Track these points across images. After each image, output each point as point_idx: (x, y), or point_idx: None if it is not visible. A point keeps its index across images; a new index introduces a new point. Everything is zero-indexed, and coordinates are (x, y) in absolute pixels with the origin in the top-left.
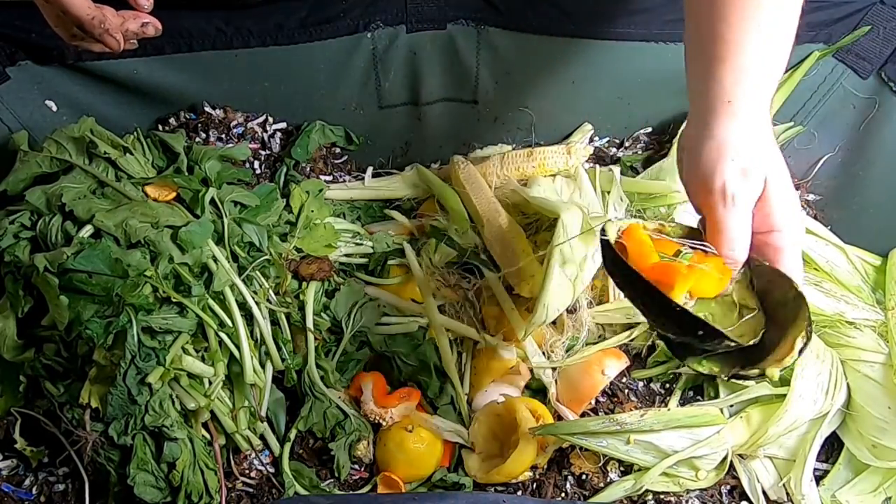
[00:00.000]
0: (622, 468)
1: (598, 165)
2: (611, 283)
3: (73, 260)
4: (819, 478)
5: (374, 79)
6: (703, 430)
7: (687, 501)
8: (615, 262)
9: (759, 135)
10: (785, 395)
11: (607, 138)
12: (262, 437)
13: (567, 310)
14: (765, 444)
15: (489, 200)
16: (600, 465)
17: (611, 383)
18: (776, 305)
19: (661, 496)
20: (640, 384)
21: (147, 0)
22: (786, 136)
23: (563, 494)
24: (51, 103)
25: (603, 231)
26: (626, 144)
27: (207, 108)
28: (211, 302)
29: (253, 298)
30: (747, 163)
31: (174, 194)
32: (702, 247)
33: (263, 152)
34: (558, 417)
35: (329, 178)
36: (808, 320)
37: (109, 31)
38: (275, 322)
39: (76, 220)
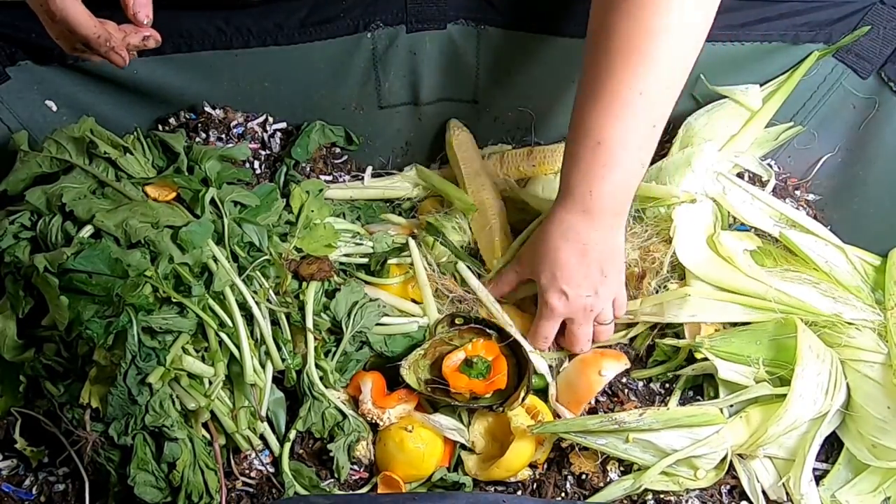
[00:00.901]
0: (622, 468)
1: None
2: None
3: (73, 260)
4: (819, 478)
5: (374, 79)
6: (702, 429)
7: (687, 501)
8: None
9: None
10: (785, 396)
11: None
12: (262, 437)
13: None
14: (764, 443)
15: (476, 172)
16: (600, 464)
17: (610, 383)
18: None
19: (661, 496)
20: (640, 384)
21: (146, 16)
22: (786, 135)
23: (563, 494)
24: (51, 103)
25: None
26: None
27: (207, 108)
28: (211, 302)
29: (253, 298)
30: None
31: (174, 194)
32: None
33: (263, 152)
34: (557, 417)
35: (329, 178)
36: (528, 382)
37: (115, 48)
38: (275, 322)
39: (76, 220)
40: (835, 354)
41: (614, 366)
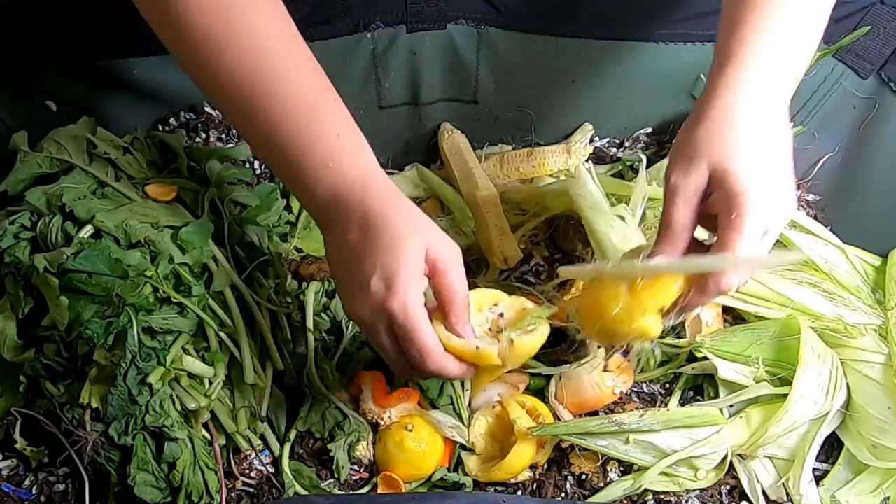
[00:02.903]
0: (622, 468)
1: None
2: None
3: (73, 260)
4: (819, 478)
5: (374, 79)
6: (702, 430)
7: (687, 501)
8: None
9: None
10: (785, 396)
11: (607, 138)
12: (262, 437)
13: None
14: (765, 444)
15: (468, 173)
16: (600, 464)
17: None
18: None
19: (661, 496)
20: (641, 384)
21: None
22: None
23: (563, 494)
24: (51, 103)
25: None
26: (626, 144)
27: (207, 108)
28: (211, 302)
29: (253, 298)
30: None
31: (174, 194)
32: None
33: None
34: (556, 416)
35: None
36: None
37: None
38: (275, 322)
39: (76, 220)
40: (835, 355)
41: (627, 382)
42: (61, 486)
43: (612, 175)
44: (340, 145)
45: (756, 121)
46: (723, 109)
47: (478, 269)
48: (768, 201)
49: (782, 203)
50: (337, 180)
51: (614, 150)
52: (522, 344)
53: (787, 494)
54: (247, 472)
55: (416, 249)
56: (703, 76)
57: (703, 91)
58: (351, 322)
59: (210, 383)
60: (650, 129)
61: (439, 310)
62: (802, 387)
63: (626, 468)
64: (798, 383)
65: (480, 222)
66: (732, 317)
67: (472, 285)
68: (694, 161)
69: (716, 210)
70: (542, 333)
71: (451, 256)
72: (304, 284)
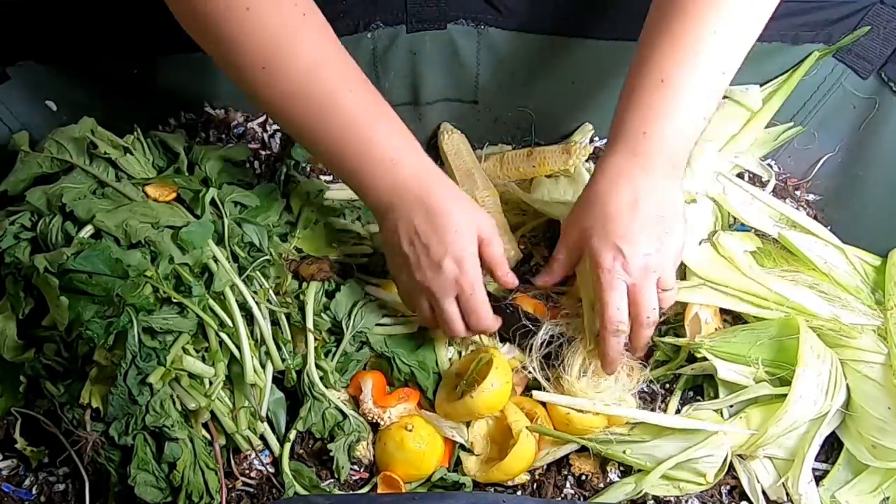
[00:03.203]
0: (622, 468)
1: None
2: None
3: (74, 260)
4: (819, 478)
5: (374, 79)
6: (698, 433)
7: (687, 501)
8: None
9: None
10: (785, 396)
11: (607, 138)
12: (262, 438)
13: None
14: (765, 444)
15: (467, 172)
16: (599, 465)
17: None
18: None
19: (662, 498)
20: (642, 385)
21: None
22: (786, 136)
23: (563, 495)
24: (51, 103)
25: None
26: None
27: (207, 108)
28: (211, 302)
29: (253, 299)
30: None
31: (174, 194)
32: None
33: (263, 152)
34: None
35: (329, 178)
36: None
37: None
38: (275, 322)
39: (76, 220)
40: (835, 355)
41: None
42: (61, 486)
43: None
44: (401, 144)
45: (623, 199)
46: (595, 191)
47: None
48: (614, 267)
49: (641, 259)
50: (400, 174)
51: None
52: (483, 399)
53: (787, 494)
54: (247, 472)
55: (474, 236)
56: None
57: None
58: (351, 322)
59: (210, 383)
60: None
61: (487, 271)
62: (802, 387)
63: (627, 469)
64: (797, 383)
65: None
66: (732, 317)
67: None
68: (571, 232)
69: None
70: (497, 386)
71: (491, 230)
72: (304, 284)
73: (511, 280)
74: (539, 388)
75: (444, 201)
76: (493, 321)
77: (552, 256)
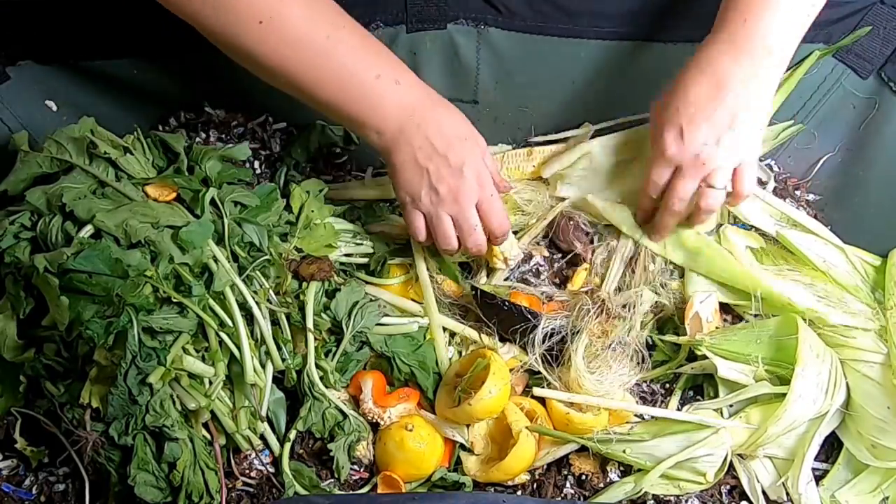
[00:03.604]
0: (622, 468)
1: None
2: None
3: (74, 260)
4: (819, 478)
5: None
6: (697, 433)
7: (687, 501)
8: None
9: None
10: (784, 395)
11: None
12: (262, 437)
13: None
14: (764, 443)
15: None
16: (599, 464)
17: None
18: None
19: (662, 497)
20: (642, 385)
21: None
22: (785, 134)
23: (563, 495)
24: (51, 103)
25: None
26: None
27: (207, 108)
28: (211, 302)
29: (253, 298)
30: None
31: (174, 194)
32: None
33: (263, 152)
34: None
35: (329, 178)
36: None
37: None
38: (275, 322)
39: (76, 220)
40: (834, 354)
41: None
42: (61, 486)
43: None
44: (401, 68)
45: (704, 85)
46: (683, 77)
47: (478, 269)
48: (679, 146)
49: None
50: (407, 94)
51: None
52: (482, 406)
53: (787, 494)
54: (247, 472)
55: (485, 147)
56: None
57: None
58: (352, 322)
59: (210, 383)
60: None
61: None
62: (801, 386)
63: (626, 468)
64: (797, 382)
65: None
66: (732, 317)
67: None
68: (657, 117)
69: None
70: (495, 392)
71: (487, 147)
72: (304, 284)
73: (504, 185)
74: (540, 385)
75: (450, 112)
76: (508, 222)
77: (651, 169)
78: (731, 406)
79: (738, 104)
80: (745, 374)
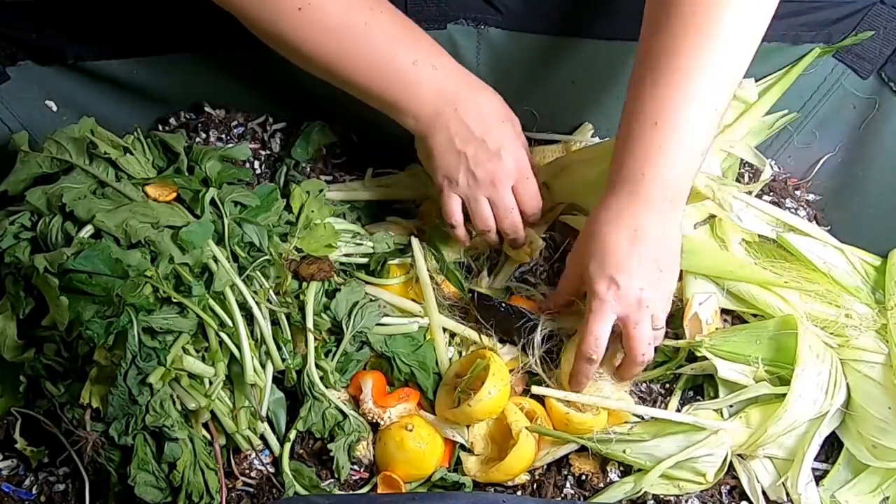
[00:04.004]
0: (622, 468)
1: None
2: None
3: (74, 260)
4: (819, 478)
5: None
6: (697, 433)
7: (687, 501)
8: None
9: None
10: (784, 395)
11: (607, 138)
12: (262, 437)
13: None
14: (764, 443)
15: None
16: (599, 464)
17: None
18: None
19: (661, 497)
20: (641, 385)
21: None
22: (780, 123)
23: (563, 495)
24: (51, 103)
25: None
26: None
27: (207, 108)
28: (211, 302)
29: (253, 298)
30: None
31: (174, 194)
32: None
33: (263, 152)
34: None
35: (329, 178)
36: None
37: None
38: (275, 322)
39: (76, 220)
40: (834, 354)
41: None
42: (61, 486)
43: None
44: (438, 51)
45: (622, 234)
46: (596, 227)
47: (479, 271)
48: (607, 299)
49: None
50: (444, 78)
51: None
52: (481, 407)
53: (787, 494)
54: (247, 472)
55: (517, 122)
56: None
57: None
58: (352, 322)
59: (210, 383)
60: None
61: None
62: (801, 386)
63: (627, 468)
64: (797, 383)
65: None
66: (732, 317)
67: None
68: (573, 264)
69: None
70: (495, 393)
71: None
72: (304, 284)
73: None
74: (540, 385)
75: (488, 95)
76: (541, 204)
77: (559, 283)
78: (731, 406)
79: (658, 248)
80: (744, 375)
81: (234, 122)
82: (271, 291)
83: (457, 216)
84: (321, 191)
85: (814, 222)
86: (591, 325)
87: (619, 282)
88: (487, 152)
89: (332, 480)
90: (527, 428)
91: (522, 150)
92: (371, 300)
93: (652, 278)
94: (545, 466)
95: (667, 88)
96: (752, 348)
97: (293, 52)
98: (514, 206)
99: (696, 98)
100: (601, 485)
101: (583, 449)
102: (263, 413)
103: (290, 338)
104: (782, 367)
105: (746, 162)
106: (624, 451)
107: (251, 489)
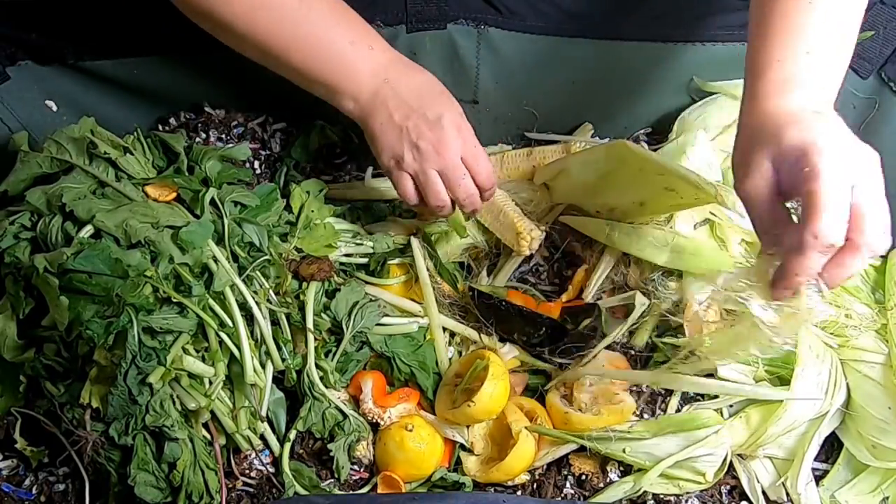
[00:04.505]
0: (622, 468)
1: None
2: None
3: (73, 260)
4: (819, 478)
5: None
6: (697, 432)
7: (687, 501)
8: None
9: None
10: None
11: (607, 138)
12: (262, 437)
13: None
14: (764, 443)
15: None
16: (599, 464)
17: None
18: None
19: (661, 496)
20: (643, 385)
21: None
22: None
23: (563, 495)
24: (51, 103)
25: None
26: None
27: (207, 108)
28: (211, 302)
29: (253, 298)
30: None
31: (174, 194)
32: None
33: (263, 152)
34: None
35: (329, 178)
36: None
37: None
38: (275, 322)
39: (76, 220)
40: (834, 354)
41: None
42: (61, 486)
43: None
44: (371, 33)
45: (796, 113)
46: (762, 114)
47: (479, 270)
48: (836, 148)
49: (854, 154)
50: (380, 57)
51: None
52: (481, 408)
53: (787, 494)
54: (247, 472)
55: (457, 102)
56: (695, 77)
57: (742, 102)
58: (352, 322)
59: (210, 383)
60: (650, 129)
61: None
62: (801, 386)
63: (626, 468)
64: (796, 383)
65: (497, 212)
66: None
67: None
68: (752, 162)
69: (794, 189)
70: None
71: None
72: (304, 284)
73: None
74: (540, 386)
75: (423, 72)
76: (494, 174)
77: (757, 230)
78: (731, 406)
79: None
80: (745, 375)
81: (234, 122)
82: (271, 291)
83: (411, 195)
84: (321, 191)
85: None
86: (828, 199)
87: (835, 146)
88: (427, 122)
89: (332, 480)
90: (526, 428)
91: (462, 118)
92: (371, 300)
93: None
94: (545, 466)
95: (809, 13)
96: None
97: (227, 30)
98: (466, 174)
99: (837, 24)
100: (601, 485)
101: (583, 449)
102: (263, 413)
103: (290, 338)
104: (782, 367)
105: None
106: (623, 451)
107: (251, 489)
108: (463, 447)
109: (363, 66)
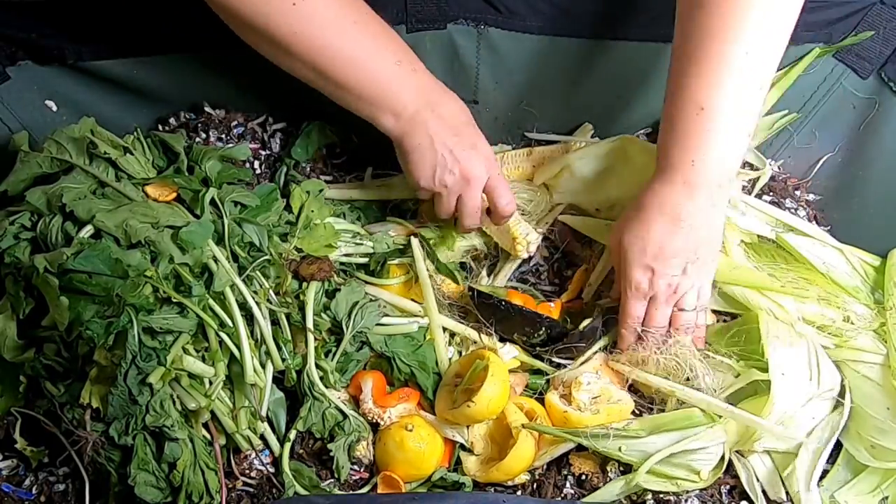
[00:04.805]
0: (621, 468)
1: None
2: None
3: (74, 260)
4: (818, 478)
5: None
6: (691, 430)
7: (687, 501)
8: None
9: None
10: (769, 384)
11: (607, 138)
12: (262, 437)
13: None
14: (759, 437)
15: None
16: (599, 464)
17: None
18: None
19: (661, 496)
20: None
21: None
22: (781, 123)
23: (563, 495)
24: (51, 103)
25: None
26: None
27: (207, 108)
28: (211, 302)
29: (253, 298)
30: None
31: (174, 194)
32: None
33: (263, 152)
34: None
35: (329, 178)
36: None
37: None
38: (275, 322)
39: (76, 220)
40: (811, 341)
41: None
42: (61, 486)
43: None
44: (415, 58)
45: (665, 224)
46: (641, 212)
47: (478, 270)
48: (651, 281)
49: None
50: (421, 79)
51: None
52: (481, 408)
53: (787, 494)
54: (247, 472)
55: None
56: None
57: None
58: (352, 322)
59: (210, 383)
60: (650, 130)
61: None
62: (777, 362)
63: (627, 467)
64: (772, 361)
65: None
66: (731, 316)
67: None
68: (614, 242)
69: None
70: (495, 394)
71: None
72: (304, 284)
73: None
74: (540, 386)
75: (456, 100)
76: (514, 202)
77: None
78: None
79: (700, 236)
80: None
81: (234, 122)
82: (271, 291)
83: (449, 211)
84: (321, 191)
85: (813, 222)
86: (630, 308)
87: (656, 270)
88: (463, 152)
89: (332, 480)
90: (523, 425)
91: (489, 147)
92: (371, 300)
93: (687, 265)
94: (545, 466)
95: (707, 73)
96: (726, 344)
97: (281, 47)
98: (479, 208)
99: (739, 79)
100: (601, 484)
101: (583, 449)
102: (263, 413)
103: (290, 338)
104: (759, 361)
105: (746, 162)
106: (619, 449)
107: (251, 489)
108: (463, 447)
109: (407, 86)
